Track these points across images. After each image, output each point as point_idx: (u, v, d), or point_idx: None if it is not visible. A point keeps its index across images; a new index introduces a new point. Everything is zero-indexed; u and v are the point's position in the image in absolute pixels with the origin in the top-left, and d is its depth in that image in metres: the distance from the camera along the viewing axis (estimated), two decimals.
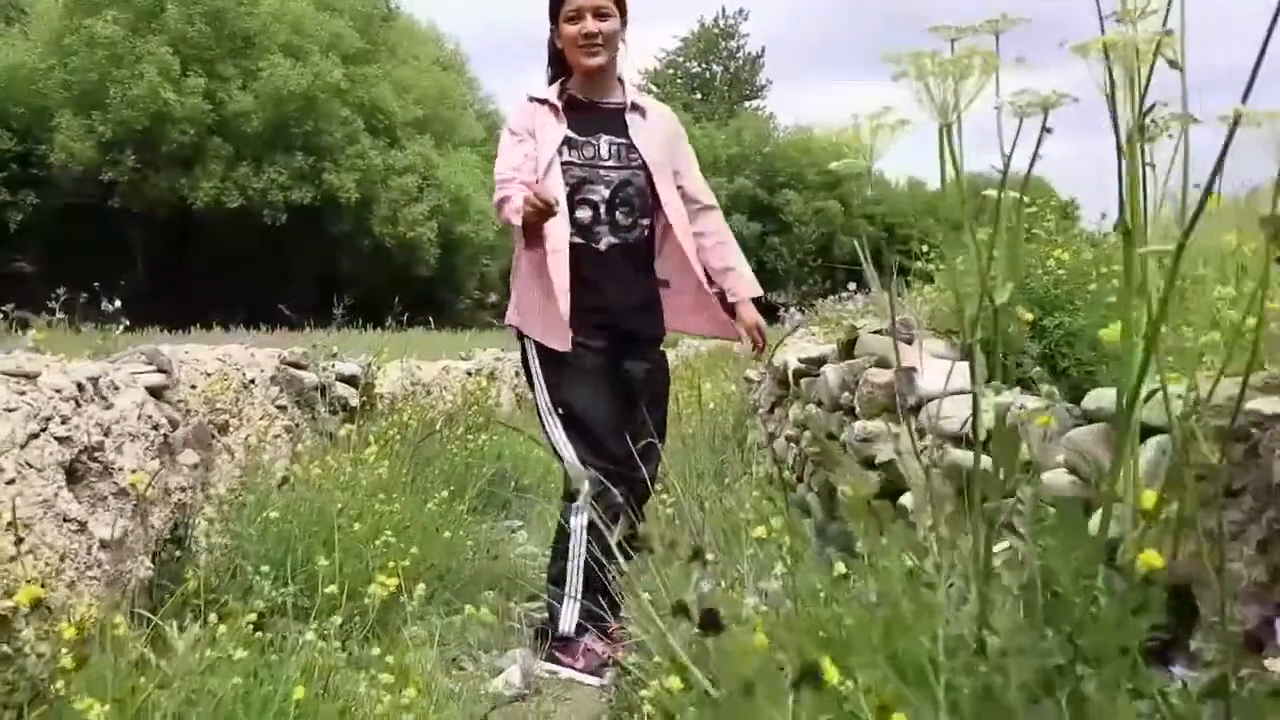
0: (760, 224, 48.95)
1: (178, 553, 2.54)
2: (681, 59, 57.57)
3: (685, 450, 4.86)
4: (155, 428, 2.51)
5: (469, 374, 6.93)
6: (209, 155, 31.59)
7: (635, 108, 3.24)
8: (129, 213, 32.41)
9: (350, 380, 4.78)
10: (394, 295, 35.92)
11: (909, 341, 2.99)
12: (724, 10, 59.39)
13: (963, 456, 2.29)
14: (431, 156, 35.91)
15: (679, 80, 56.85)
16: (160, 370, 2.91)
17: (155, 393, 2.72)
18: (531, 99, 3.24)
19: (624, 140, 3.19)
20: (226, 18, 32.18)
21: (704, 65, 58.74)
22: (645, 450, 2.99)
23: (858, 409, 2.82)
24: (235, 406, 3.50)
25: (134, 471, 2.28)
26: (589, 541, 2.96)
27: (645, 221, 3.21)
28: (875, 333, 2.97)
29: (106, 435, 2.22)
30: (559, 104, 3.19)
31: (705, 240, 3.25)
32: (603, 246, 3.14)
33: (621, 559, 2.40)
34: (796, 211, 49.83)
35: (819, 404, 3.54)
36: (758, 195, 49.70)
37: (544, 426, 3.11)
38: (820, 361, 3.75)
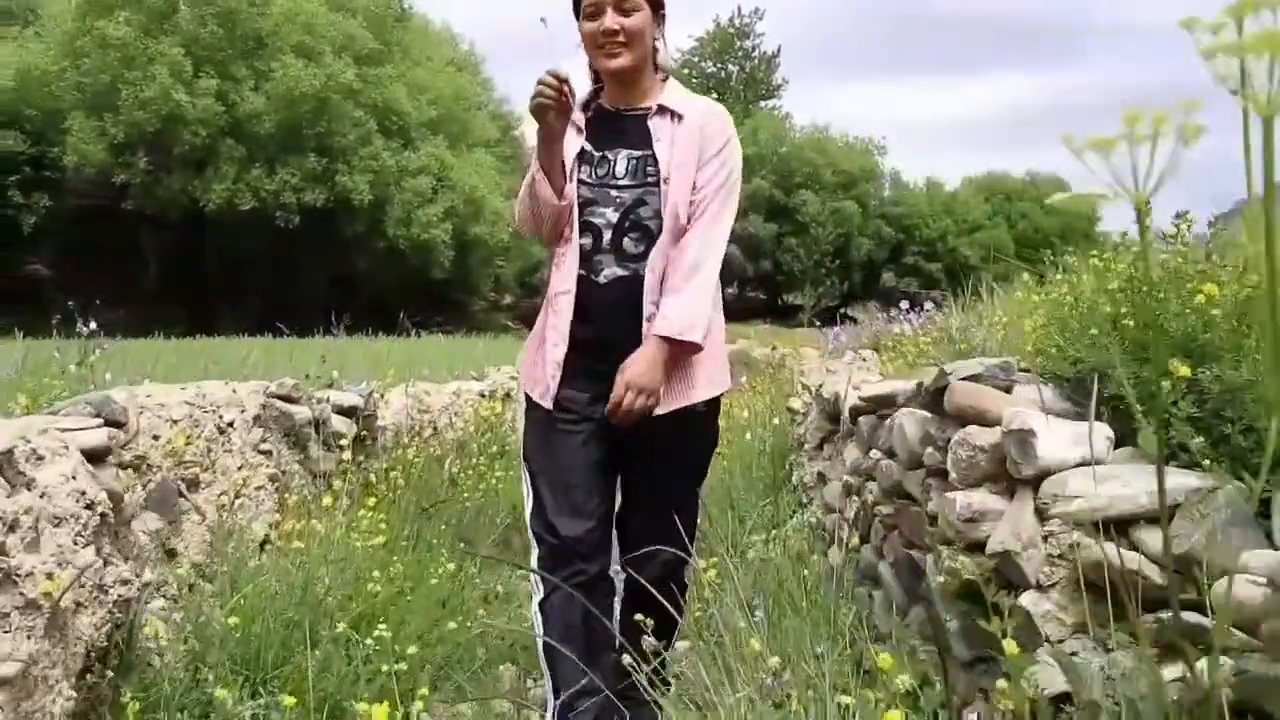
0: (776, 225, 48.54)
1: (117, 661, 2.05)
2: (697, 59, 57.09)
3: (724, 488, 4.35)
4: (90, 506, 2.02)
5: (482, 396, 6.41)
6: (221, 157, 31.33)
7: (665, 111, 2.60)
8: (141, 215, 32.24)
9: (349, 412, 4.29)
10: (408, 297, 35.92)
11: (1008, 389, 2.48)
12: (739, 9, 58.98)
13: (1106, 553, 1.79)
14: (445, 158, 35.53)
15: (694, 80, 56.28)
16: (110, 423, 2.43)
17: (97, 456, 2.23)
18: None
19: (645, 152, 2.58)
20: (239, 19, 31.91)
21: (719, 65, 58.26)
22: (651, 534, 2.45)
23: (951, 473, 2.31)
24: (207, 458, 3.01)
25: (50, 576, 1.78)
26: (545, 624, 2.44)
27: (662, 238, 2.56)
28: (969, 378, 2.45)
29: (13, 530, 1.74)
30: (582, 116, 2.66)
31: (672, 258, 2.54)
32: (603, 279, 2.54)
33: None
34: (813, 212, 49.30)
35: (890, 453, 3.03)
36: (774, 196, 49.23)
37: None
38: (887, 402, 3.23)
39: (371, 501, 3.23)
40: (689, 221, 2.54)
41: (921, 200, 55.66)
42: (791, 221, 49.08)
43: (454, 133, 37.49)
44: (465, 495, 4.12)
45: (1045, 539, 1.96)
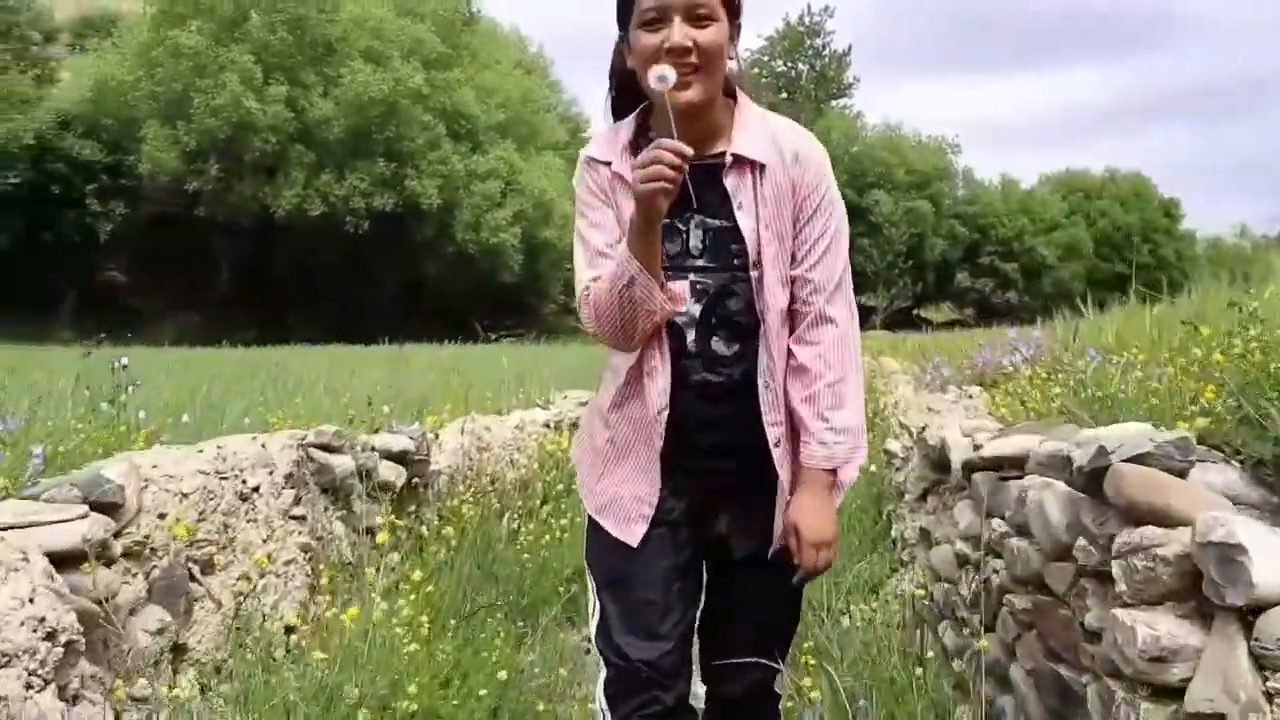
0: (849, 225, 47.64)
1: None
2: (767, 58, 56.49)
3: None
4: (52, 635, 1.64)
5: (548, 427, 5.96)
6: (291, 163, 31.47)
7: (744, 163, 1.94)
8: (214, 222, 32.56)
9: (399, 457, 3.90)
10: (478, 302, 35.73)
11: (1182, 473, 1.99)
12: (809, 7, 58.37)
13: None
14: (514, 161, 35.37)
15: (764, 80, 55.68)
16: (99, 508, 2.05)
17: (76, 557, 1.86)
18: (592, 160, 2.04)
19: (725, 223, 1.95)
20: (308, 25, 32.07)
21: (790, 64, 57.69)
22: (745, 643, 2.06)
23: (1119, 583, 1.83)
24: (225, 535, 2.63)
25: None
26: None
27: (762, 333, 1.97)
28: (1136, 458, 1.96)
29: None
30: (628, 171, 1.95)
31: (795, 359, 1.97)
32: (689, 382, 1.98)
33: None
34: (886, 212, 48.65)
35: (1022, 531, 2.54)
36: (846, 196, 47.57)
37: None
38: (1014, 463, 2.75)
39: (416, 576, 2.82)
40: (797, 301, 1.97)
41: (997, 199, 54.59)
42: (864, 222, 48.42)
43: (523, 136, 37.35)
44: (525, 556, 3.70)
45: (1271, 699, 1.49)
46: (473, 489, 4.28)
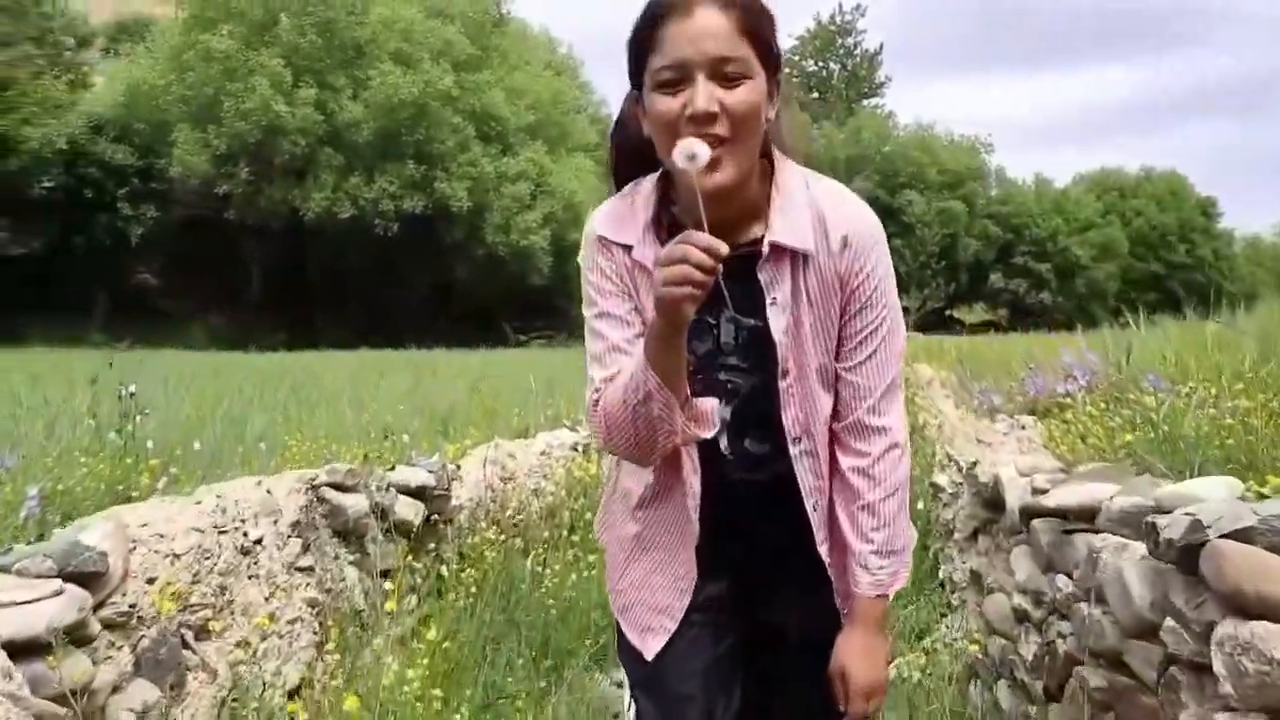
0: (884, 227, 47.32)
1: None
2: (798, 58, 56.14)
3: None
4: None
5: (575, 449, 5.74)
6: (321, 166, 31.49)
7: (783, 253, 1.64)
8: (244, 224, 32.65)
9: (418, 493, 3.69)
10: (508, 304, 35.74)
11: None
12: (840, 7, 57.92)
13: None
14: (544, 163, 35.26)
15: (795, 80, 55.36)
16: (77, 578, 1.86)
17: (40, 647, 1.66)
18: (606, 242, 1.71)
19: (759, 321, 1.67)
20: (337, 28, 32.09)
21: (821, 64, 57.37)
22: None
23: (1224, 683, 1.59)
24: (223, 596, 2.43)
25: None
26: None
27: (801, 447, 1.70)
28: (1236, 533, 1.71)
29: None
30: (649, 251, 1.67)
31: (841, 474, 1.71)
32: (726, 481, 1.75)
33: None
34: (918, 212, 48.30)
35: (1093, 595, 2.30)
36: (878, 196, 48.23)
37: None
38: (1081, 514, 2.51)
39: (432, 635, 2.62)
40: (841, 402, 1.70)
41: (1030, 198, 54.04)
42: (896, 222, 48.05)
43: (553, 137, 37.23)
44: (550, 602, 3.47)
45: None
46: (496, 523, 4.07)
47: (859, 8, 57.07)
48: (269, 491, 2.82)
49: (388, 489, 3.47)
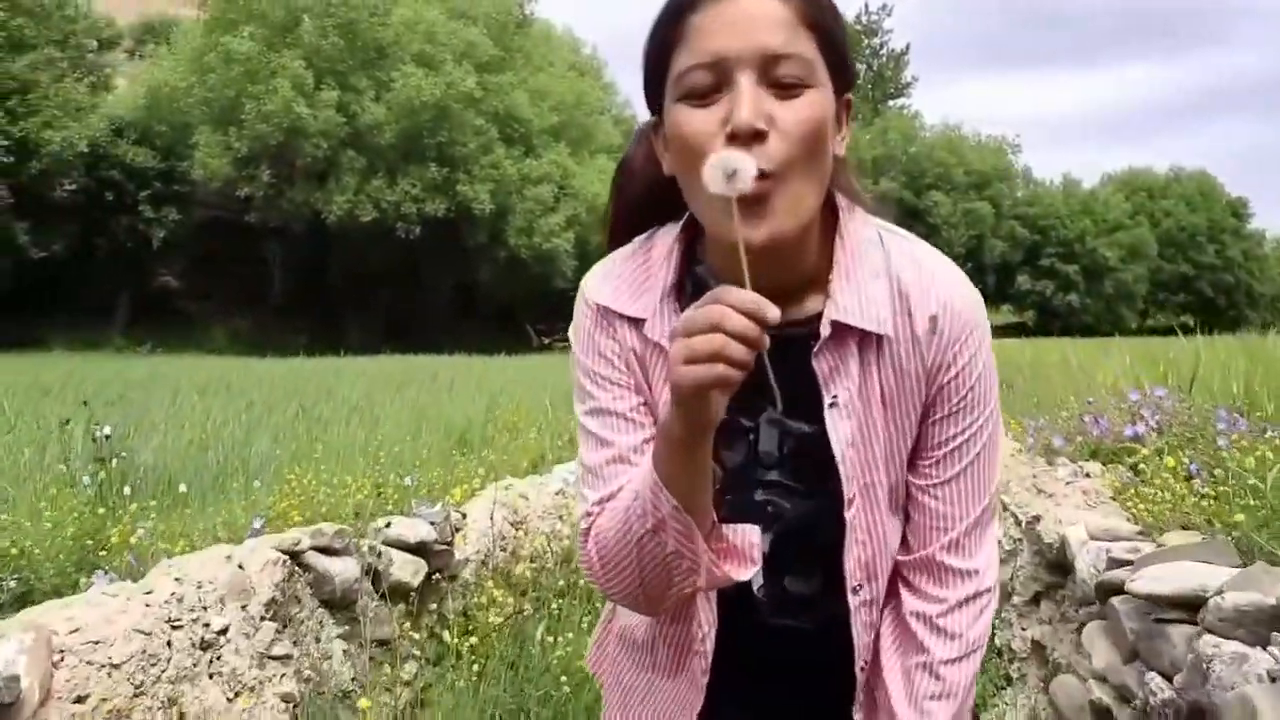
0: (906, 228, 47.02)
1: None
2: None
3: None
4: None
5: None
6: (342, 168, 31.37)
7: (849, 334, 1.20)
8: (266, 227, 32.59)
9: (418, 549, 3.35)
10: (532, 306, 35.76)
11: None
12: (866, 7, 57.42)
13: None
14: (568, 165, 35.02)
15: None
16: None
17: None
18: (607, 312, 1.28)
19: (813, 426, 1.23)
20: (359, 29, 31.95)
21: None
22: None
23: None
24: (173, 710, 2.08)
25: None
26: None
27: (863, 596, 1.27)
28: None
29: None
30: (661, 322, 1.25)
31: (901, 619, 1.28)
32: (753, 629, 1.34)
33: None
34: (944, 214, 47.98)
35: (1201, 711, 1.93)
36: (904, 197, 48.03)
37: None
38: (1183, 603, 2.14)
39: None
40: (912, 527, 1.26)
41: (1058, 199, 53.62)
42: (922, 223, 47.75)
43: (576, 139, 36.99)
44: (563, 677, 3.12)
45: None
46: (506, 578, 3.72)
47: (885, 7, 56.57)
48: (241, 566, 2.48)
49: (379, 554, 3.12)
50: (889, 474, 1.22)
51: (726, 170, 1.02)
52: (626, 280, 1.27)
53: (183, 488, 4.09)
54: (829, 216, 1.23)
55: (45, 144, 27.58)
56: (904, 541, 1.26)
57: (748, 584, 1.25)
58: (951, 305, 1.20)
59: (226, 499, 5.09)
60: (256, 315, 33.83)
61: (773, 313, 0.97)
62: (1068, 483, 3.32)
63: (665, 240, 1.27)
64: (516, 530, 4.07)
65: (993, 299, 53.45)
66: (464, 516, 3.75)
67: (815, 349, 1.18)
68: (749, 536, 1.18)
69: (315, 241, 33.09)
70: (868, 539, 1.23)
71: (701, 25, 1.10)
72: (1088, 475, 3.40)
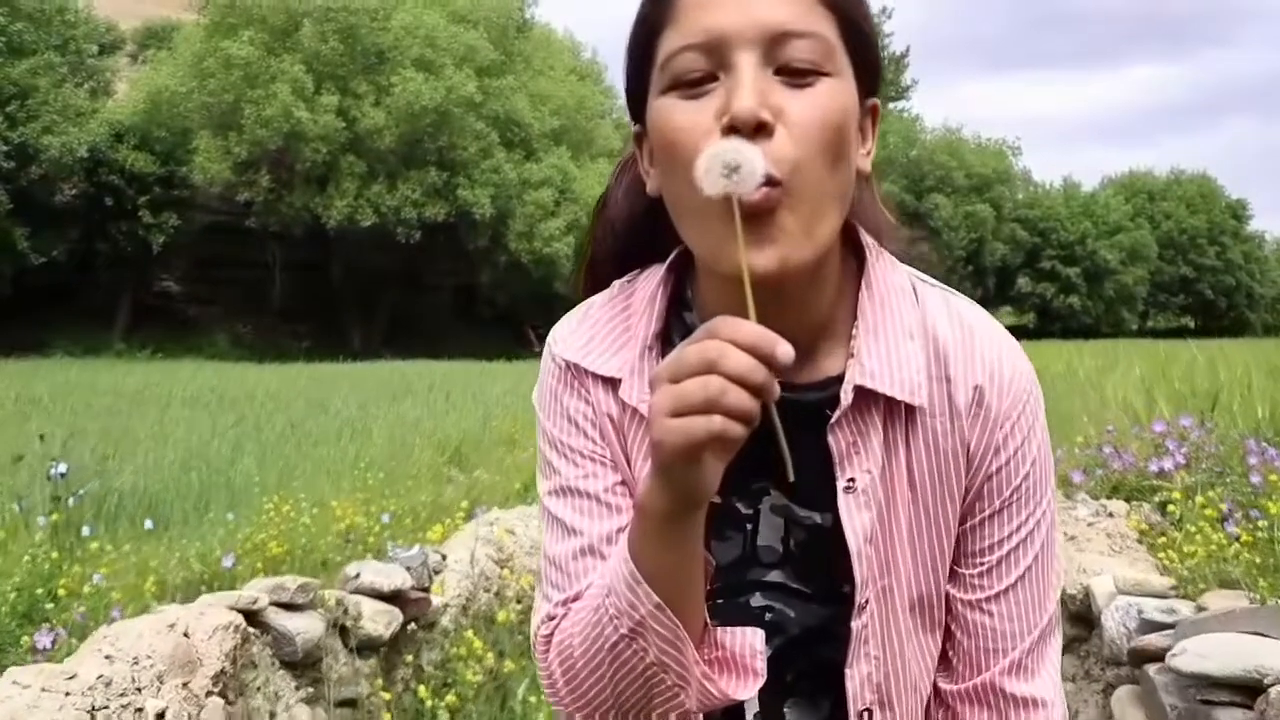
0: (908, 230, 47.02)
1: None
2: None
3: None
4: None
5: None
6: (342, 173, 31.30)
7: (873, 400, 0.97)
8: (267, 231, 32.50)
9: (392, 597, 3.14)
10: (532, 309, 35.88)
11: None
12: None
13: None
14: (569, 169, 34.88)
15: None
16: None
17: None
18: (574, 369, 1.05)
19: (823, 516, 0.99)
20: (359, 34, 31.85)
21: None
22: None
23: None
24: None
25: None
26: None
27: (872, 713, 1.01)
28: None
29: None
30: (637, 379, 1.01)
31: None
32: None
33: None
34: (945, 216, 47.91)
35: None
36: (904, 200, 47.90)
37: None
38: (1240, 687, 1.93)
39: None
40: (953, 646, 1.03)
41: (1058, 202, 53.58)
42: (923, 226, 47.63)
43: (577, 143, 36.86)
44: None
45: None
46: (489, 623, 3.50)
47: (885, 11, 56.38)
48: (186, 634, 2.27)
49: (345, 610, 2.91)
50: (917, 578, 0.99)
51: (727, 164, 0.81)
52: (601, 331, 1.05)
53: (149, 524, 3.89)
54: (850, 255, 1.02)
55: (45, 149, 27.53)
56: (948, 666, 1.04)
57: (738, 709, 1.01)
58: (1001, 374, 0.98)
59: (203, 527, 4.89)
60: (258, 320, 33.73)
61: (784, 349, 0.77)
62: (1089, 523, 3.12)
63: (649, 283, 1.05)
64: (501, 569, 3.86)
65: (993, 301, 53.39)
66: (443, 558, 3.55)
67: (832, 421, 0.95)
68: (751, 642, 0.94)
69: (316, 246, 33.03)
70: (882, 655, 0.99)
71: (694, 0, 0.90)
72: (1111, 515, 3.21)
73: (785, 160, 0.85)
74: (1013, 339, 1.03)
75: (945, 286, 1.05)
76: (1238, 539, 2.55)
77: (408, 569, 3.20)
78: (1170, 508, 2.98)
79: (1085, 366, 12.53)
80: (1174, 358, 12.12)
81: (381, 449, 8.34)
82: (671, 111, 0.90)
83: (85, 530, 3.51)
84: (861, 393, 0.95)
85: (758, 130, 0.85)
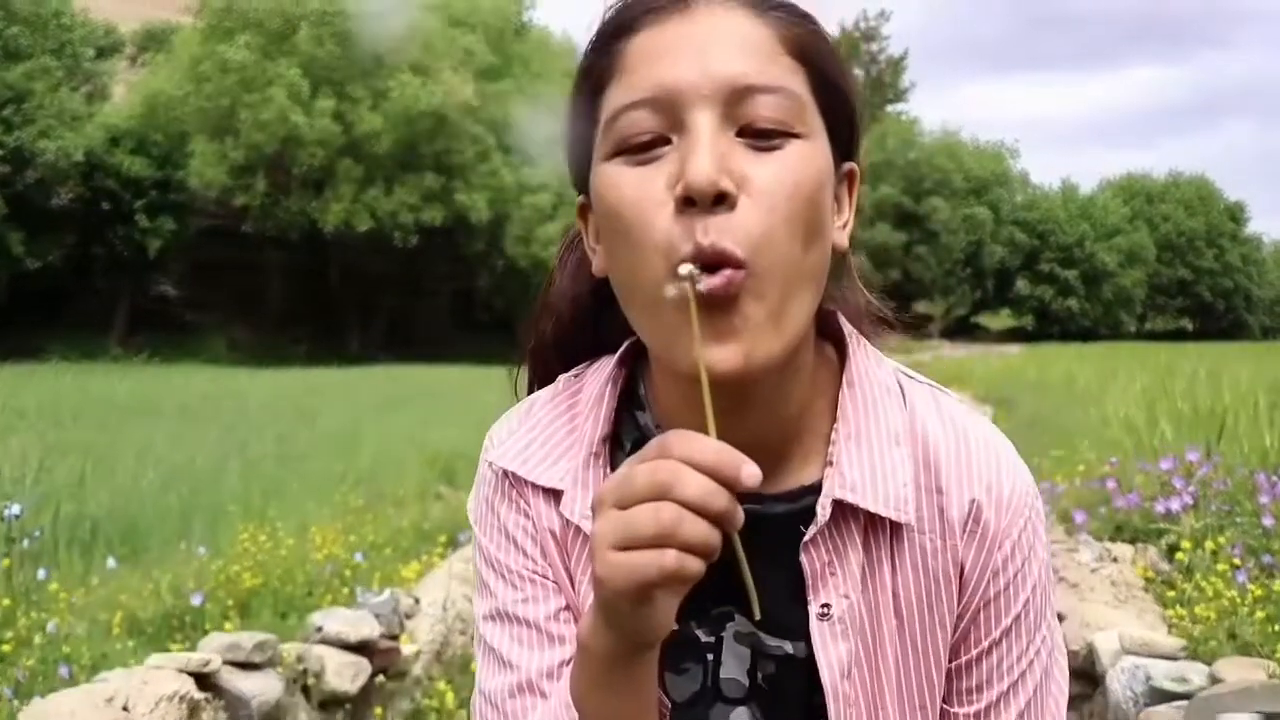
0: (905, 233, 47.28)
1: None
2: None
3: None
4: None
5: None
6: (339, 177, 31.22)
7: (850, 515, 0.84)
8: (264, 236, 32.41)
9: (360, 648, 2.99)
10: (530, 313, 36.49)
11: None
12: (865, 13, 57.22)
13: None
14: (567, 173, 34.81)
15: None
16: None
17: None
18: (512, 479, 0.92)
19: (794, 646, 0.87)
20: (356, 37, 31.68)
21: None
22: None
23: None
24: None
25: None
26: None
27: None
28: None
29: None
30: (581, 490, 0.89)
31: None
32: None
33: None
34: (944, 219, 47.87)
35: None
36: (903, 203, 47.82)
37: None
38: None
39: None
40: None
41: (1056, 204, 53.51)
42: (921, 229, 47.72)
43: None
44: None
45: None
46: (462, 668, 3.36)
47: (883, 13, 56.36)
48: (126, 708, 2.12)
49: (305, 670, 2.77)
50: (904, 718, 0.86)
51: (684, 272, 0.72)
52: (542, 435, 0.92)
53: (111, 563, 3.74)
54: (827, 346, 0.91)
55: (41, 153, 27.44)
56: None
57: None
58: (1000, 487, 0.86)
59: (175, 558, 4.75)
60: (255, 324, 33.63)
61: (749, 470, 0.66)
62: (1093, 569, 2.98)
63: (597, 377, 0.93)
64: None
65: (991, 304, 53.27)
66: (416, 602, 3.40)
67: (806, 537, 0.84)
68: None
69: (313, 250, 32.96)
70: None
71: (643, 49, 0.79)
72: (1115, 559, 3.06)
73: (750, 237, 0.74)
74: (1009, 443, 0.90)
75: (933, 383, 0.93)
76: (1248, 590, 2.41)
77: (377, 616, 3.06)
78: (1179, 555, 2.83)
79: (1085, 376, 12.43)
80: (1175, 369, 12.03)
81: (370, 465, 8.21)
82: (618, 179, 0.78)
83: (41, 574, 3.36)
84: (840, 507, 0.83)
85: (717, 201, 0.73)
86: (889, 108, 56.64)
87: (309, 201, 31.35)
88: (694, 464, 0.66)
